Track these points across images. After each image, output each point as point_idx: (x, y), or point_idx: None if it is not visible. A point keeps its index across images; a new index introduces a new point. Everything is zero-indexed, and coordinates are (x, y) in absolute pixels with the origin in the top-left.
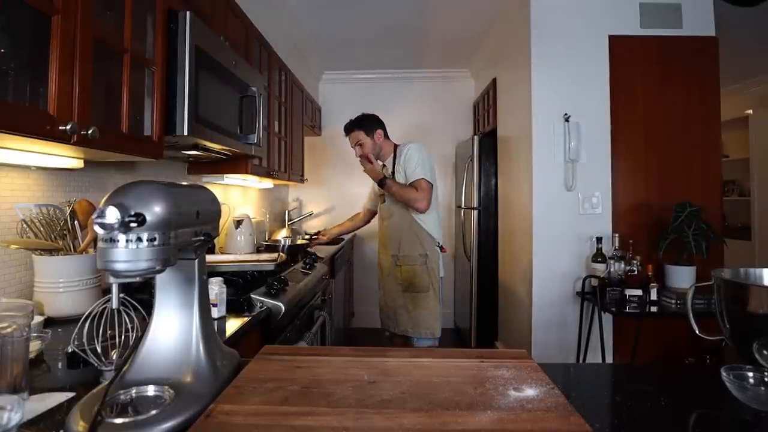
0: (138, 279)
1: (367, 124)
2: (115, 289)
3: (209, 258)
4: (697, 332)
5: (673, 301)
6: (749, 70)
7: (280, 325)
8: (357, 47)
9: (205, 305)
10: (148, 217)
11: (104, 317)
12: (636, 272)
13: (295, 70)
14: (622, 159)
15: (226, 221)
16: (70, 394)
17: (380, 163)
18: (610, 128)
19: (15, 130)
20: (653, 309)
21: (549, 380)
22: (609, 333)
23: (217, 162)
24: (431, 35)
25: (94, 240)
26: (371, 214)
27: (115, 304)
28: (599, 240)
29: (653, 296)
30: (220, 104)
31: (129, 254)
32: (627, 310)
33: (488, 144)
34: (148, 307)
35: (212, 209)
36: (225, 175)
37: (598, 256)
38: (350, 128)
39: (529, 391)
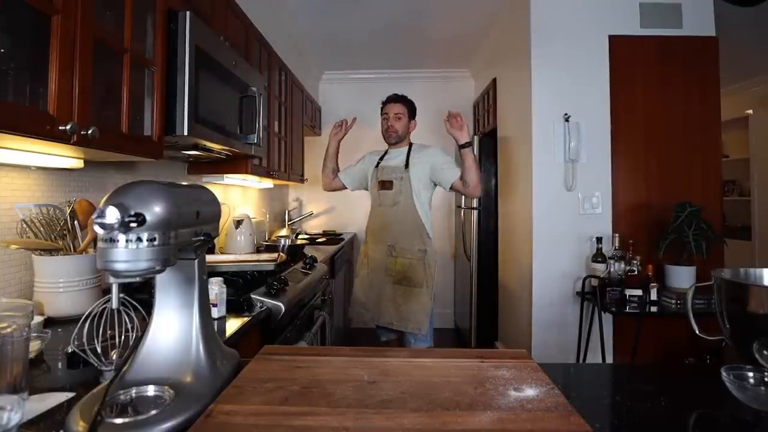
0: (138, 279)
1: (413, 108)
2: (115, 289)
3: (209, 258)
4: (697, 332)
5: (673, 301)
6: (749, 70)
7: (280, 325)
8: (357, 47)
9: (205, 305)
10: (148, 217)
11: (104, 317)
12: (636, 272)
13: (295, 70)
14: (622, 159)
15: (226, 221)
16: (70, 394)
17: (398, 148)
18: (610, 128)
19: (15, 130)
20: (653, 309)
21: (549, 380)
22: (609, 333)
23: (217, 162)
24: (431, 35)
25: (94, 240)
26: (336, 182)
27: (115, 304)
28: (599, 240)
29: (653, 296)
30: (220, 104)
31: (129, 254)
32: (627, 310)
33: (488, 144)
34: (148, 307)
35: (212, 209)
36: (225, 175)
37: (598, 256)
38: (399, 100)
39: (529, 391)
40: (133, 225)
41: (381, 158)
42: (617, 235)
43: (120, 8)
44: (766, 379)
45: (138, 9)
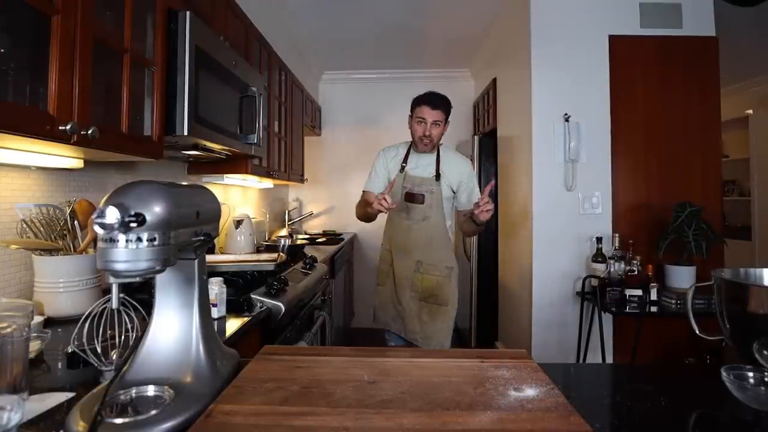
0: (138, 279)
1: (450, 111)
2: (115, 289)
3: (209, 258)
4: (697, 332)
5: (673, 301)
6: (749, 70)
7: (280, 325)
8: (357, 47)
9: (205, 305)
10: (148, 217)
11: (104, 317)
12: (636, 272)
13: (295, 70)
14: (622, 159)
15: (226, 221)
16: (70, 394)
17: (425, 152)
18: (610, 128)
19: (15, 130)
20: (653, 309)
21: (549, 380)
22: (609, 333)
23: (217, 162)
24: (431, 35)
25: (94, 240)
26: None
27: (115, 304)
28: (599, 240)
29: (653, 296)
30: (220, 104)
31: (129, 254)
32: (627, 310)
33: (488, 144)
34: (148, 307)
35: (212, 209)
36: (225, 175)
37: (598, 256)
38: (441, 104)
39: (529, 391)
40: (133, 225)
41: (404, 161)
42: (617, 235)
43: (120, 8)
44: (766, 379)
45: (138, 9)
